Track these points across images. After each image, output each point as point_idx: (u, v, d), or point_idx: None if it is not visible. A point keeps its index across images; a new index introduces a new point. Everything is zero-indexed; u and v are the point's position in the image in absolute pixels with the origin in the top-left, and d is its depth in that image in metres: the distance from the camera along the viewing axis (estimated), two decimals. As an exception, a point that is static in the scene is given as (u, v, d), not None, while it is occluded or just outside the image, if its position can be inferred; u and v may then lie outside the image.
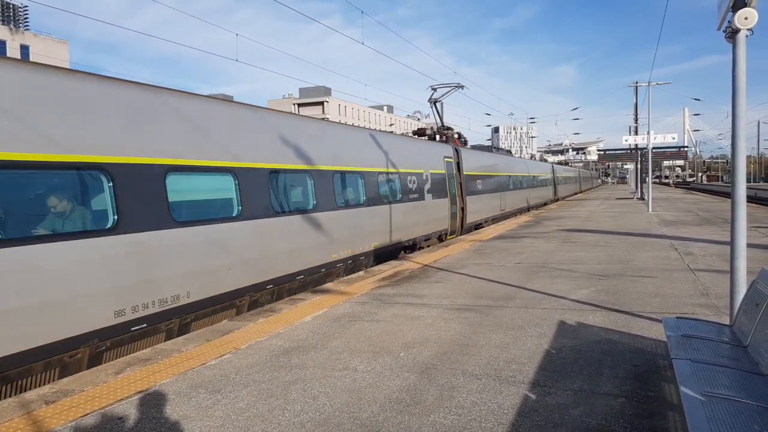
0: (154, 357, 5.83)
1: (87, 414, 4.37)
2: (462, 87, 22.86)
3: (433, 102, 22.55)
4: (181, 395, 4.73)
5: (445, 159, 18.74)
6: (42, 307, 5.73)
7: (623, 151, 45.18)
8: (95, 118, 6.68)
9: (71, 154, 6.27)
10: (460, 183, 19.80)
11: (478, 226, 21.78)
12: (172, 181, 7.50)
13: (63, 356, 5.99)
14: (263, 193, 9.30)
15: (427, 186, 16.81)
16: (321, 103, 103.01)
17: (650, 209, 26.88)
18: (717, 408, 3.03)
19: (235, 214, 8.58)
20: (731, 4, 5.00)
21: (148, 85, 7.79)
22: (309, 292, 9.17)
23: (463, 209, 19.73)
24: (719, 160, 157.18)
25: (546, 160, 73.66)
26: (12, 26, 52.63)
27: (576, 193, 62.55)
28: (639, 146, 37.57)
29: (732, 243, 5.34)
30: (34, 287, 5.66)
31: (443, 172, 18.29)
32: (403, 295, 8.65)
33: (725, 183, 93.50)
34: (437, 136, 21.22)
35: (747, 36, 5.09)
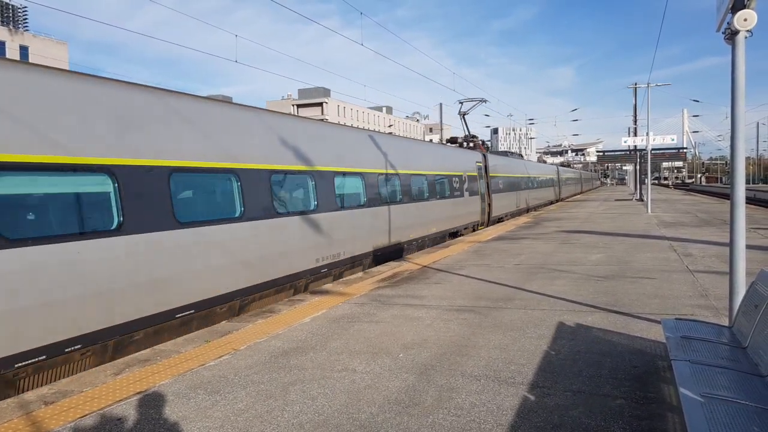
0: (153, 358, 5.83)
1: (86, 415, 4.37)
2: (485, 101, 27.26)
3: (462, 115, 26.58)
4: (180, 396, 4.73)
5: (477, 163, 22.66)
6: (291, 255, 9.89)
7: (622, 153, 45.30)
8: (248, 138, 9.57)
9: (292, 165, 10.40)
10: (487, 183, 23.67)
11: (499, 220, 25.34)
12: (339, 180, 11.92)
13: (296, 282, 10.09)
14: (378, 188, 13.77)
15: (465, 186, 20.64)
16: (320, 104, 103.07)
17: (649, 210, 26.90)
18: (716, 409, 3.03)
19: (339, 205, 11.85)
20: (730, 6, 5.01)
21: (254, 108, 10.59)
22: (308, 293, 9.18)
23: (489, 205, 23.57)
24: (718, 162, 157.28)
25: (545, 161, 75.07)
26: (11, 27, 52.63)
27: (578, 193, 65.77)
28: (638, 147, 37.62)
29: (731, 244, 5.35)
30: (289, 243, 9.88)
31: (476, 174, 22.14)
32: (402, 296, 8.65)
33: (724, 184, 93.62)
34: (464, 143, 24.83)
35: (746, 37, 5.10)
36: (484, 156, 24.13)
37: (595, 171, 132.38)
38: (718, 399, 3.17)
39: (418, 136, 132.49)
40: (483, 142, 27.35)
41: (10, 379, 5.53)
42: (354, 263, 12.24)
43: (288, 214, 9.95)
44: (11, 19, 53.20)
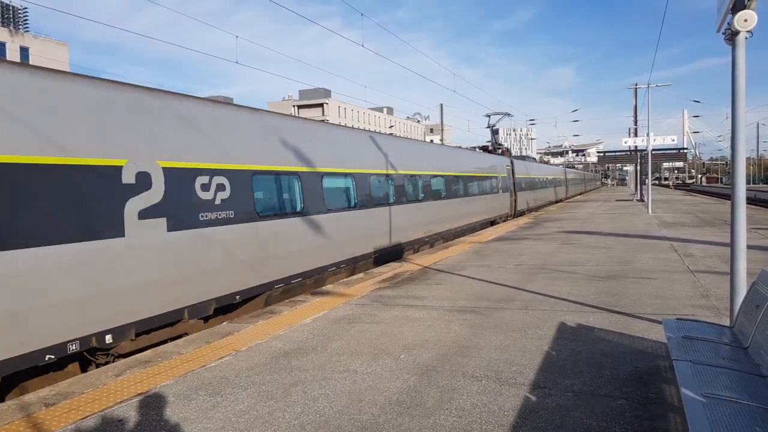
0: (154, 359, 5.83)
1: (87, 416, 4.37)
2: (510, 115, 33.89)
3: (491, 127, 32.64)
4: (181, 397, 4.73)
5: (506, 167, 28.25)
6: (407, 229, 14.81)
7: (623, 153, 45.25)
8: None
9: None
10: (513, 182, 29.09)
11: (521, 213, 30.36)
12: (404, 179, 15.45)
13: (414, 245, 15.04)
14: (432, 186, 17.51)
15: (500, 185, 26.27)
16: (321, 105, 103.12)
17: (650, 211, 26.89)
18: (718, 409, 3.03)
19: (391, 200, 14.39)
20: (731, 6, 5.01)
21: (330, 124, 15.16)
22: (309, 293, 9.17)
23: (515, 200, 29.09)
24: (719, 162, 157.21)
25: (549, 162, 77.29)
26: (12, 28, 52.67)
27: (582, 192, 72.44)
28: (638, 148, 37.59)
29: (732, 244, 5.34)
30: (402, 223, 14.55)
31: (506, 175, 27.72)
32: (403, 296, 8.65)
33: (725, 185, 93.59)
34: (494, 150, 30.45)
35: (746, 38, 5.09)
36: (511, 161, 29.77)
37: (596, 171, 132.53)
38: (720, 399, 3.17)
39: (418, 136, 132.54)
40: (508, 149, 34.77)
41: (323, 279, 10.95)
42: (443, 237, 18.02)
43: (401, 202, 14.82)
44: (11, 20, 53.24)
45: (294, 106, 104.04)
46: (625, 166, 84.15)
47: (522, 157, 40.18)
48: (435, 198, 17.46)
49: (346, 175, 12.10)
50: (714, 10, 5.61)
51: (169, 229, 7.20)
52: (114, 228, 6.47)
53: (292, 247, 9.80)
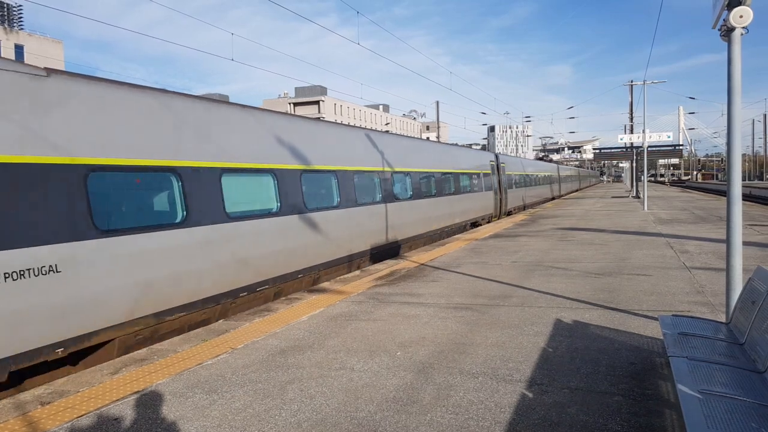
0: (150, 357, 5.81)
1: (83, 415, 4.35)
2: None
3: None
4: (178, 395, 4.71)
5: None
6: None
7: (618, 150, 45.23)
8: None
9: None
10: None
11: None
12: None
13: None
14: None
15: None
16: (317, 103, 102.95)
17: (646, 207, 26.95)
18: (714, 405, 3.03)
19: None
20: (726, 3, 5.01)
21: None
22: (305, 291, 9.16)
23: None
24: (714, 159, 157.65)
25: (552, 159, 77.46)
26: (6, 26, 52.40)
27: (576, 190, 69.69)
28: (634, 145, 37.68)
29: (728, 241, 5.36)
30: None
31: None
32: (399, 294, 8.65)
33: (720, 181, 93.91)
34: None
35: (742, 34, 5.10)
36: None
37: (592, 168, 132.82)
38: (716, 395, 3.18)
39: (414, 134, 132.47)
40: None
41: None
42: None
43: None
44: (6, 17, 52.97)
45: (290, 103, 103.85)
46: (621, 162, 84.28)
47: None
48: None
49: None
50: (710, 7, 5.62)
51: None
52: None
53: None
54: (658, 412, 4.09)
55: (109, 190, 6.77)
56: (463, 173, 21.29)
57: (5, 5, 52.75)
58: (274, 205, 9.66)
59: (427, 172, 17.68)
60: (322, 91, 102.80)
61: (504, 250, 13.30)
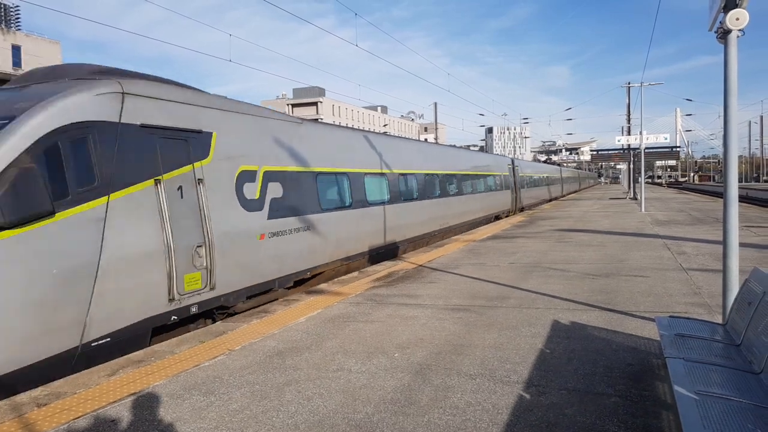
0: (147, 359, 5.80)
1: (79, 417, 4.35)
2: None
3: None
4: (175, 397, 4.71)
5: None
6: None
7: (616, 151, 45.38)
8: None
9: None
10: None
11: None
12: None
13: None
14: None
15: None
16: (315, 104, 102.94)
17: (643, 209, 27.00)
18: (710, 406, 3.04)
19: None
20: (722, 5, 5.03)
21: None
22: (303, 292, 9.16)
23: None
24: (711, 160, 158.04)
25: (551, 161, 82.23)
26: (3, 26, 52.28)
27: (577, 190, 76.71)
28: (632, 146, 37.75)
29: (724, 242, 5.37)
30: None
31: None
32: (397, 295, 8.65)
33: (717, 183, 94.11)
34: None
35: (738, 36, 5.12)
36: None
37: (590, 170, 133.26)
38: (713, 396, 3.19)
39: (412, 135, 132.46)
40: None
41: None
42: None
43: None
44: (3, 18, 52.88)
45: (288, 104, 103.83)
46: (618, 164, 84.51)
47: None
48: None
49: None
50: (706, 9, 5.63)
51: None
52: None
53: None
54: (655, 413, 4.10)
55: (324, 186, 11.29)
56: (491, 175, 26.35)
57: (2, 6, 52.66)
58: (385, 197, 14.47)
59: (468, 174, 22.31)
60: (320, 92, 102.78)
61: (502, 252, 13.31)
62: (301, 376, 5.11)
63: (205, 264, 7.37)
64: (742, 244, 5.86)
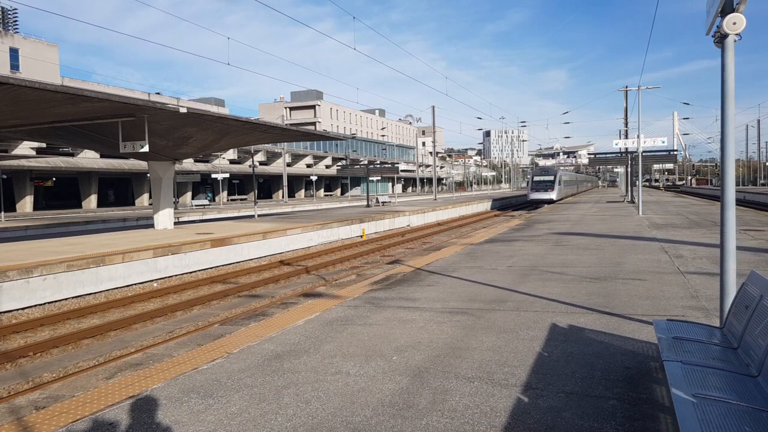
0: (145, 362, 5.79)
1: (78, 419, 4.34)
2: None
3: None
4: (173, 400, 4.70)
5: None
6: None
7: (613, 155, 45.50)
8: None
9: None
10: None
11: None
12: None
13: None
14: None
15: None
16: (313, 107, 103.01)
17: (640, 212, 27.05)
18: (708, 410, 3.05)
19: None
20: (719, 10, 5.05)
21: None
22: (301, 296, 9.15)
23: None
24: (708, 164, 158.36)
25: (559, 165, 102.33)
26: (1, 29, 52.24)
27: (586, 190, 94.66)
28: (629, 150, 37.82)
29: (722, 246, 5.39)
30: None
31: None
32: (395, 298, 8.65)
33: (714, 186, 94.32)
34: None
35: (735, 41, 5.14)
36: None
37: (587, 173, 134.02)
38: (710, 399, 3.19)
39: (410, 138, 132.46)
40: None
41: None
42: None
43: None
44: (1, 21, 52.84)
45: (286, 108, 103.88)
46: (616, 167, 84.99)
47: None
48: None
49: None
50: (703, 13, 5.66)
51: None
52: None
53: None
54: (652, 416, 4.11)
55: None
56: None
57: (0, 8, 52.63)
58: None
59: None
60: (318, 95, 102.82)
61: (499, 255, 13.33)
62: (300, 380, 5.11)
63: None
64: (739, 248, 5.87)
